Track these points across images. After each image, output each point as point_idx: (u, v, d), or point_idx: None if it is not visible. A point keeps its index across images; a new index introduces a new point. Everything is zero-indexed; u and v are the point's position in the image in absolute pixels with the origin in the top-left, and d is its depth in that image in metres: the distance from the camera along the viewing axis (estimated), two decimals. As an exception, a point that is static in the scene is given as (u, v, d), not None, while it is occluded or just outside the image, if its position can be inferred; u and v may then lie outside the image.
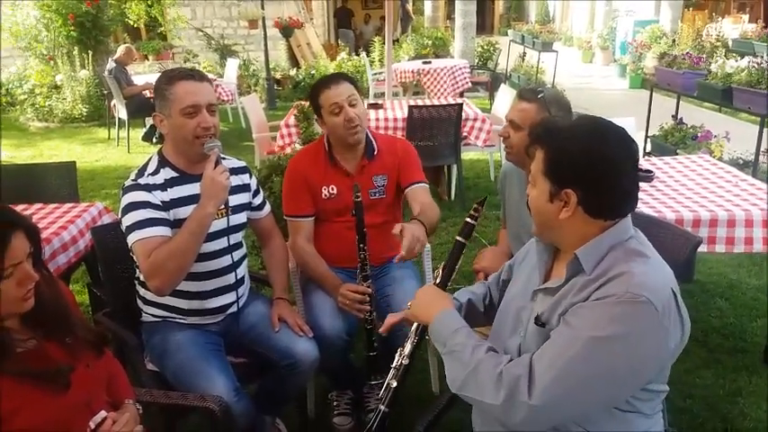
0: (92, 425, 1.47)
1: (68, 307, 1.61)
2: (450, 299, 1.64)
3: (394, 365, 1.75)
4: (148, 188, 2.10)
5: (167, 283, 2.04)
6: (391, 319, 1.84)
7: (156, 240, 2.02)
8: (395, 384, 1.72)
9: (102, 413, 1.50)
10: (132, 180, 2.13)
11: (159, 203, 2.09)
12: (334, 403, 2.72)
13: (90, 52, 9.66)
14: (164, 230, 2.06)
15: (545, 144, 1.43)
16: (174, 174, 2.17)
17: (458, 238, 1.69)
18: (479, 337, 1.51)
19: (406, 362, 1.73)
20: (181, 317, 2.23)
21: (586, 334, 1.29)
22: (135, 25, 11.48)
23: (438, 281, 1.72)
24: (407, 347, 1.73)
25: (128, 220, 2.05)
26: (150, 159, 2.21)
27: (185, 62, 12.35)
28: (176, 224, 2.09)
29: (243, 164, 2.40)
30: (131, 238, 2.04)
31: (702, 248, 2.79)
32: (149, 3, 11.21)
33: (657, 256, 1.43)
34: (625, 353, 1.28)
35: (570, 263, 1.43)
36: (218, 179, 2.04)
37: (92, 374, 1.56)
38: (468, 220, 1.69)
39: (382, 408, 1.74)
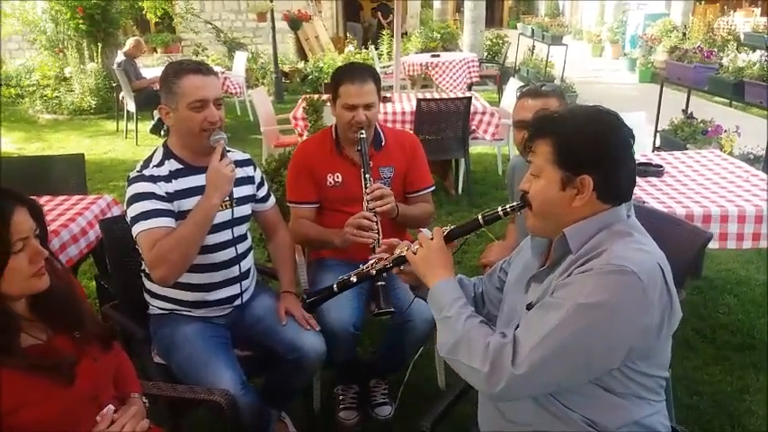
0: (99, 418, 1.48)
1: (78, 300, 1.60)
2: (452, 265, 1.62)
3: (363, 267, 1.79)
4: (153, 179, 2.11)
5: (171, 274, 2.06)
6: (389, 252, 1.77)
7: (161, 231, 2.03)
8: (354, 280, 1.78)
9: (110, 407, 1.50)
10: (137, 171, 2.14)
11: (164, 194, 2.10)
12: (340, 397, 2.72)
13: (99, 44, 9.67)
14: (168, 221, 2.07)
15: (551, 134, 1.42)
16: (179, 165, 2.18)
17: (479, 217, 1.60)
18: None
19: (373, 272, 1.75)
20: (187, 309, 2.24)
21: (568, 302, 1.31)
22: (154, 20, 11.45)
23: (446, 232, 1.64)
24: (380, 264, 1.74)
25: (132, 210, 2.07)
26: (155, 151, 2.22)
27: (195, 55, 12.35)
28: (181, 215, 2.11)
29: (247, 156, 2.41)
30: (136, 229, 2.06)
31: (713, 245, 2.77)
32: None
33: (646, 236, 1.44)
34: (606, 319, 1.29)
35: (558, 241, 1.44)
36: (223, 171, 2.05)
37: (99, 368, 1.56)
38: (500, 211, 1.56)
39: (335, 288, 1.81)
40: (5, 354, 1.37)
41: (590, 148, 1.39)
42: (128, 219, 2.10)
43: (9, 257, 1.38)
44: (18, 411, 1.35)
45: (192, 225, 2.04)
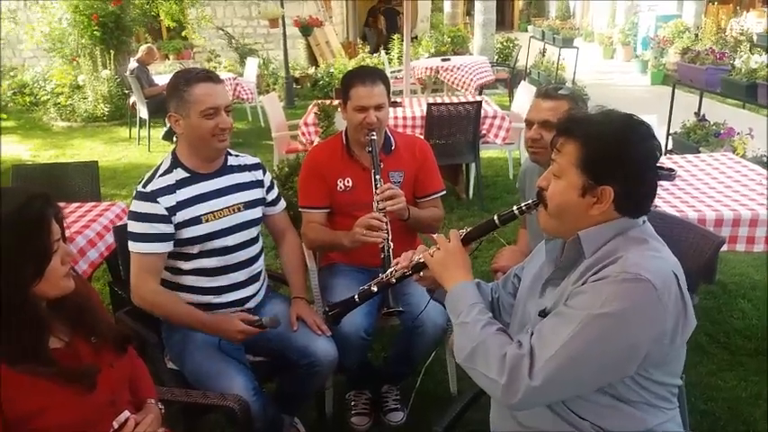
0: (115, 424, 1.49)
1: (95, 306, 1.63)
2: (470, 268, 1.62)
3: (382, 275, 1.80)
4: (154, 197, 2.14)
5: (143, 306, 2.19)
6: (407, 260, 1.75)
7: (151, 259, 2.14)
8: (375, 289, 1.80)
9: (126, 413, 1.52)
10: (142, 187, 2.18)
11: (163, 214, 2.14)
12: (352, 403, 2.73)
13: (112, 52, 9.76)
14: (161, 246, 2.15)
15: (579, 137, 1.40)
16: (186, 174, 2.22)
17: (495, 218, 1.62)
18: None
19: (393, 281, 1.77)
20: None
21: (583, 312, 1.31)
22: (171, 24, 11.50)
23: (464, 235, 1.64)
24: (400, 272, 1.74)
25: (130, 227, 2.16)
26: (164, 160, 2.26)
27: (208, 62, 12.46)
28: (181, 225, 2.16)
29: (257, 160, 2.44)
30: (130, 245, 2.16)
31: (723, 247, 2.75)
32: (176, 3, 11.26)
33: (661, 243, 1.43)
34: (621, 328, 1.29)
35: (571, 243, 1.44)
36: (235, 334, 2.14)
37: (115, 374, 1.58)
38: (516, 210, 1.58)
39: (356, 298, 1.83)
40: (33, 355, 1.39)
41: (616, 159, 1.36)
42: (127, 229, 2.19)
43: (52, 258, 1.42)
44: (40, 415, 1.38)
45: (185, 317, 2.17)
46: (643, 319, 1.29)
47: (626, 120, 1.41)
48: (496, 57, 12.15)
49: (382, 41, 16.05)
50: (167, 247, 2.16)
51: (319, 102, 4.97)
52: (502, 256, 2.72)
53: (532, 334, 1.38)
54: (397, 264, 1.78)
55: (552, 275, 1.51)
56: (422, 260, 1.67)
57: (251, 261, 2.33)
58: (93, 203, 3.33)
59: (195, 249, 2.21)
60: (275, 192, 2.49)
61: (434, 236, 1.69)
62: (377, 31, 18.36)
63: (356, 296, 1.83)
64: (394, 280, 1.76)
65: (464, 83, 8.72)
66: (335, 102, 4.73)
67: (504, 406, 1.43)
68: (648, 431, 1.42)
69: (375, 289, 1.80)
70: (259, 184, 2.39)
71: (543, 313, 1.45)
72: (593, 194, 1.39)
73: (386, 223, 2.35)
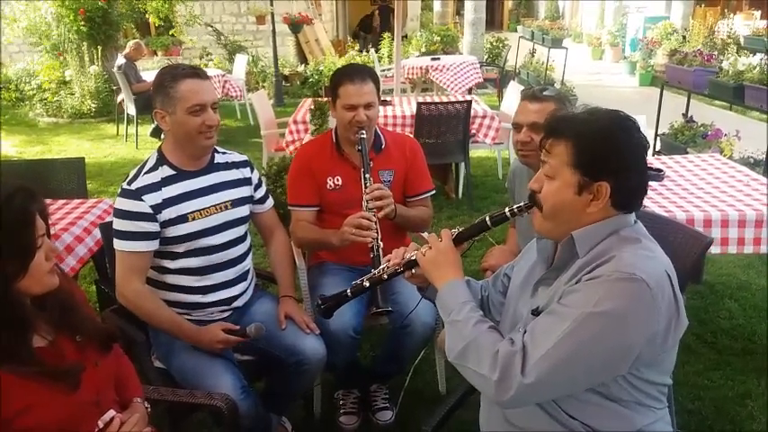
0: (100, 424, 1.47)
1: (79, 304, 1.61)
2: (461, 267, 1.61)
3: (375, 271, 1.78)
4: (139, 194, 2.11)
5: (127, 306, 2.16)
6: (399, 257, 1.74)
7: (135, 257, 2.12)
8: (367, 284, 1.78)
9: (111, 412, 1.50)
10: (127, 184, 2.15)
11: (149, 212, 2.11)
12: (341, 402, 2.72)
13: (99, 48, 9.67)
14: (145, 245, 2.12)
15: (569, 136, 1.40)
16: (172, 172, 2.19)
17: (487, 218, 1.61)
18: None
19: (385, 276, 1.75)
20: (185, 312, 2.24)
21: (577, 311, 1.31)
22: (157, 23, 11.41)
23: (455, 235, 1.63)
24: (392, 268, 1.73)
25: (115, 224, 2.15)
26: (150, 156, 2.24)
27: (200, 59, 12.39)
28: (166, 224, 2.14)
29: (244, 158, 2.42)
30: (114, 244, 2.14)
31: (715, 249, 2.77)
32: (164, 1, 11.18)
33: (653, 243, 1.44)
34: (614, 327, 1.28)
35: (565, 243, 1.44)
36: (215, 344, 2.13)
37: (100, 373, 1.56)
38: (507, 212, 1.56)
39: (349, 293, 1.81)
40: (16, 354, 1.37)
41: (610, 155, 1.37)
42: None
43: (36, 254, 1.40)
44: (24, 414, 1.36)
45: (166, 323, 2.16)
46: (637, 319, 1.29)
47: (612, 115, 1.42)
48: (486, 56, 12.18)
49: (371, 41, 16.03)
50: (152, 245, 2.14)
51: (315, 99, 4.94)
52: (491, 255, 2.73)
53: (525, 332, 1.38)
54: (388, 260, 1.77)
55: (545, 275, 1.50)
56: (414, 258, 1.66)
57: (238, 260, 2.31)
58: (79, 200, 3.29)
59: (181, 248, 2.19)
60: (263, 189, 2.47)
61: (426, 235, 1.68)
62: (372, 30, 18.31)
63: (348, 291, 1.82)
64: (386, 276, 1.75)
65: (452, 87, 8.73)
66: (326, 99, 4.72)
67: (495, 403, 1.42)
68: (638, 431, 1.42)
69: (367, 284, 1.79)
70: (247, 181, 2.37)
71: (536, 312, 1.45)
72: (589, 191, 1.38)
73: (375, 223, 2.34)
